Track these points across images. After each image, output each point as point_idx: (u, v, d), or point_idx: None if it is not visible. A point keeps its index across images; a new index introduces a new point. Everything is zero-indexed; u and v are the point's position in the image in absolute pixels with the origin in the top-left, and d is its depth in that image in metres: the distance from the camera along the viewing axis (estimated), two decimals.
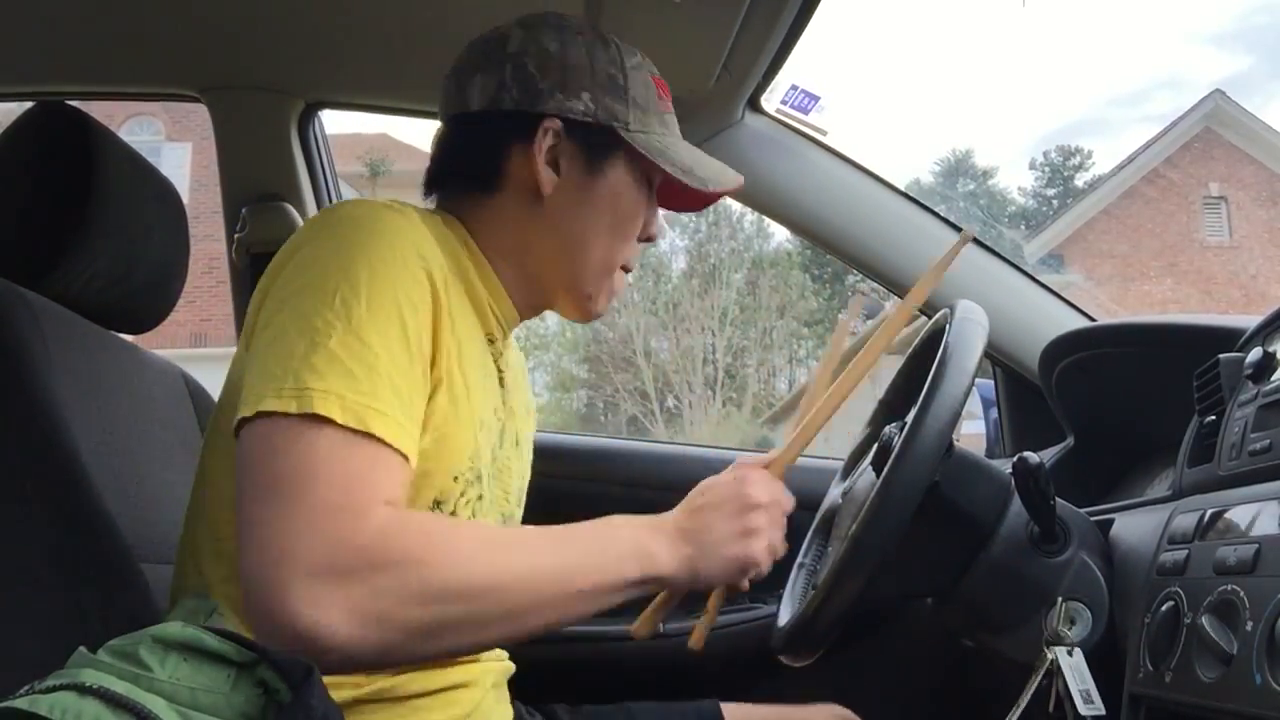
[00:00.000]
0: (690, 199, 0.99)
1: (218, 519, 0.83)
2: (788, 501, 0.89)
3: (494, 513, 0.92)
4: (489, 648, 0.77)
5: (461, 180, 0.94)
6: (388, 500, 0.72)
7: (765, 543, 0.85)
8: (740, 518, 0.84)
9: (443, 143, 0.96)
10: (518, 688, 1.03)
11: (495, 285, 0.93)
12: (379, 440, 0.72)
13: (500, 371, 0.94)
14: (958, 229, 1.49)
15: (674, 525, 0.83)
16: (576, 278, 0.94)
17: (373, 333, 0.74)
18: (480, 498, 0.86)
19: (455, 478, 0.83)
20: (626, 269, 0.97)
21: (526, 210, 0.92)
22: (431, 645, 0.72)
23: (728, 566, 0.83)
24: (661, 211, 1.00)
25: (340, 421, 0.71)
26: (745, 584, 0.87)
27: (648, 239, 0.97)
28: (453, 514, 0.83)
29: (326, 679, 0.64)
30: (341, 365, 0.72)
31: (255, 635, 0.68)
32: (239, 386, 0.82)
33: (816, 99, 1.46)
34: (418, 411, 0.77)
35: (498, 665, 0.95)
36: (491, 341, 0.93)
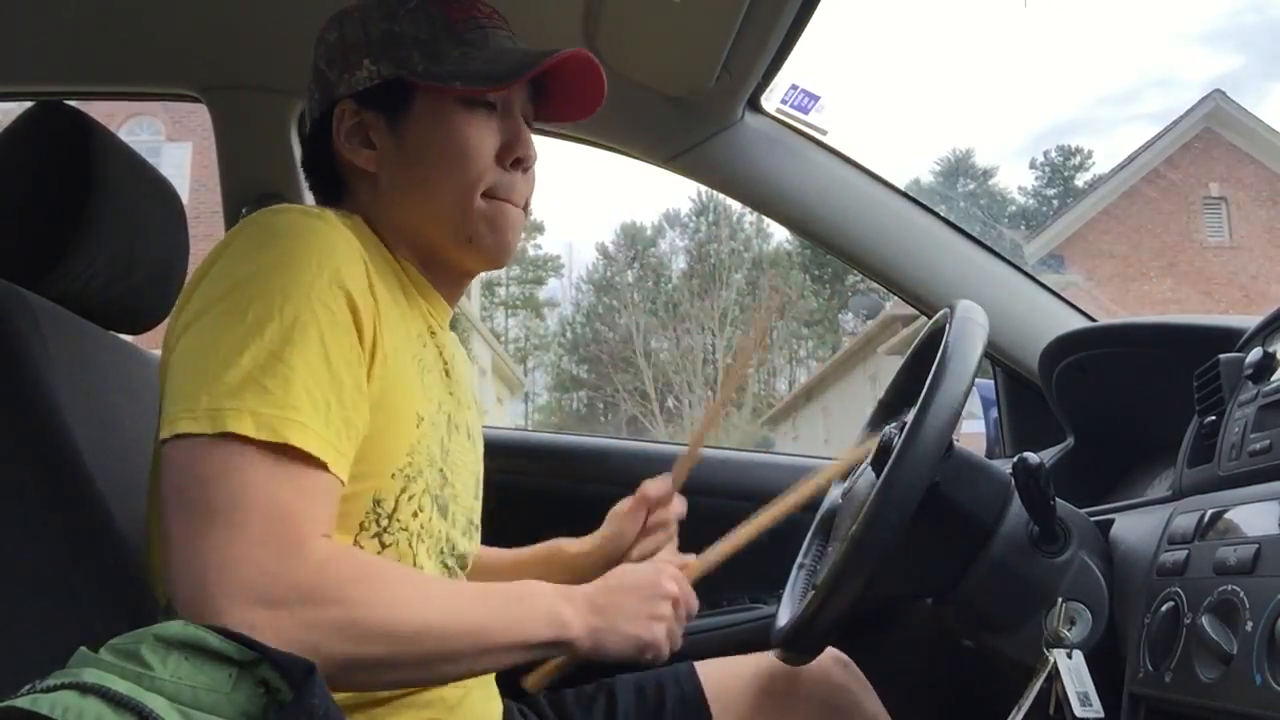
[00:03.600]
0: (568, 100, 0.97)
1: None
2: (694, 604, 0.95)
3: (456, 507, 0.92)
4: (398, 688, 0.82)
5: (330, 197, 0.96)
6: (324, 532, 0.74)
7: (667, 630, 0.90)
8: (650, 603, 0.89)
9: (305, 176, 1.00)
10: (508, 689, 1.03)
11: (417, 277, 0.94)
12: (298, 452, 0.73)
13: (445, 363, 0.95)
14: (958, 229, 1.49)
15: (586, 598, 0.87)
16: (446, 228, 0.93)
17: (287, 348, 0.75)
18: (425, 493, 0.86)
19: (393, 475, 0.83)
20: (509, 200, 0.93)
21: (373, 195, 0.93)
22: (348, 679, 0.74)
23: (629, 644, 0.87)
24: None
25: (255, 436, 0.72)
26: (645, 658, 0.90)
27: (516, 162, 0.93)
28: (394, 512, 0.84)
29: None
30: (255, 382, 0.73)
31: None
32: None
33: (816, 99, 1.46)
34: (343, 419, 0.77)
35: None
36: (433, 334, 0.94)
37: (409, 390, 0.86)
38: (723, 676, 1.09)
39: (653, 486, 1.11)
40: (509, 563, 1.15)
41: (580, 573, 1.12)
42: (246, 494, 0.71)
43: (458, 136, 0.91)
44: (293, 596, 0.70)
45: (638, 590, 0.89)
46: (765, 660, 1.09)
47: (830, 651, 1.11)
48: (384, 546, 0.83)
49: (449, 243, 0.94)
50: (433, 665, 0.78)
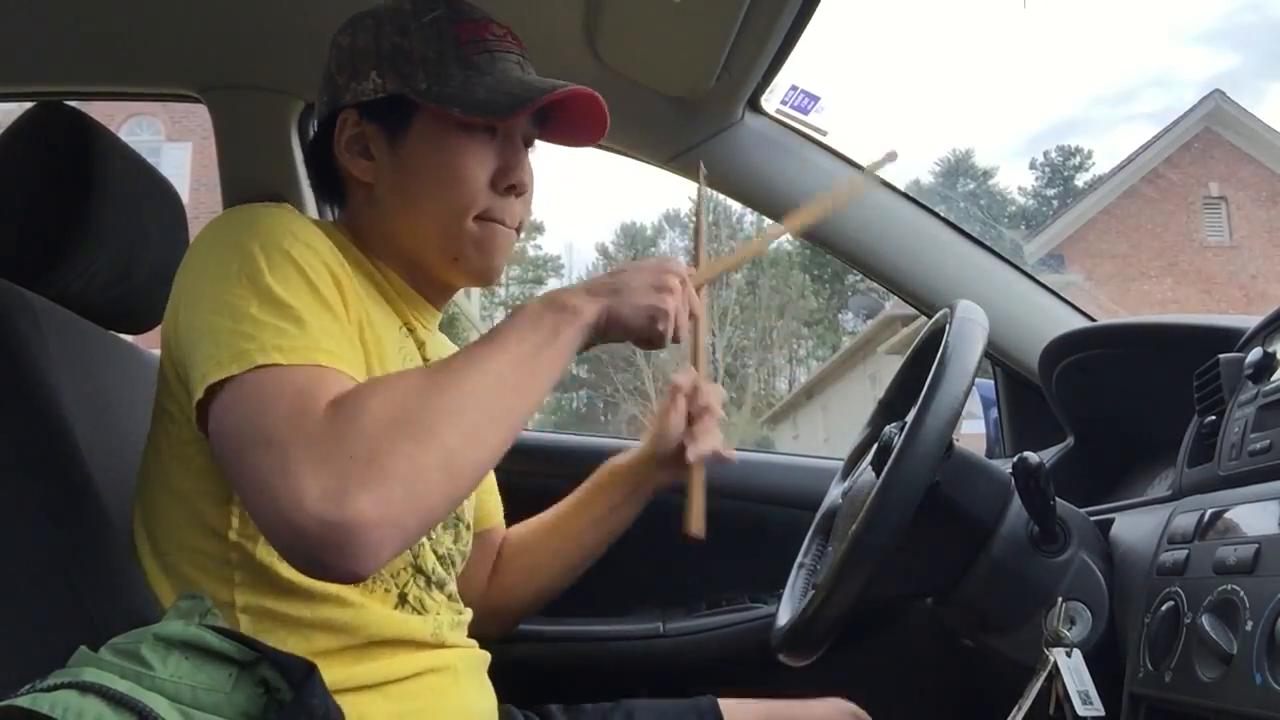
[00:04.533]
0: (571, 127, 0.99)
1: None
2: (697, 304, 0.94)
3: None
4: (504, 448, 0.78)
5: (329, 200, 0.99)
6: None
7: (676, 304, 0.89)
8: (656, 276, 0.89)
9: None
10: (511, 690, 1.03)
11: (399, 282, 0.96)
12: (329, 369, 0.74)
13: (425, 360, 0.96)
14: (958, 229, 1.49)
15: (583, 283, 0.87)
16: (435, 246, 0.95)
17: (287, 294, 0.77)
18: None
19: None
20: (502, 222, 0.95)
21: (368, 204, 0.95)
22: (456, 475, 0.72)
23: (641, 314, 0.87)
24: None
25: (285, 363, 0.73)
26: (658, 339, 0.89)
27: (510, 188, 0.94)
28: None
29: None
30: (270, 325, 0.75)
31: (305, 569, 0.70)
32: (160, 375, 0.86)
33: (816, 99, 1.46)
34: (357, 357, 0.80)
35: (471, 652, 0.95)
36: (411, 330, 0.96)
37: (390, 370, 0.87)
38: (745, 716, 1.10)
39: (679, 376, 1.11)
40: (570, 505, 1.17)
41: (636, 482, 1.14)
42: (276, 395, 0.72)
43: (454, 160, 0.92)
44: (343, 445, 0.69)
45: (640, 270, 0.89)
46: (792, 708, 1.11)
47: (842, 705, 1.11)
48: None
49: (436, 259, 0.96)
50: (505, 411, 0.77)
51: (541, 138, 0.99)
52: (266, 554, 0.82)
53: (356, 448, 0.69)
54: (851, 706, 1.12)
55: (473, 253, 0.94)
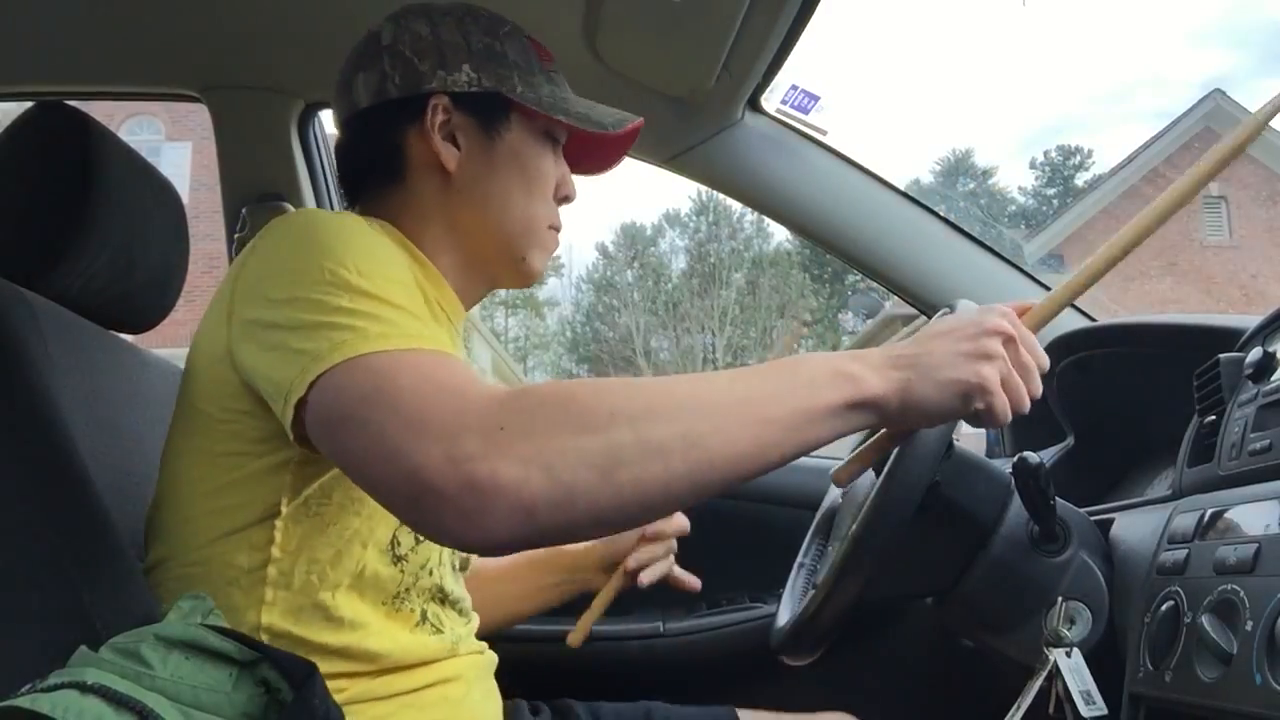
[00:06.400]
0: (600, 158, 1.04)
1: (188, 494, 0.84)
2: (1041, 355, 0.75)
3: None
4: (686, 493, 0.65)
5: (373, 179, 0.96)
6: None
7: (999, 371, 0.71)
8: (973, 341, 0.71)
9: (344, 148, 0.98)
10: (512, 689, 1.03)
11: (437, 278, 0.95)
12: (432, 351, 0.70)
13: None
14: (958, 229, 1.49)
15: (883, 351, 0.72)
16: (506, 243, 0.95)
17: (377, 289, 0.73)
18: None
19: None
20: (554, 228, 0.99)
21: (440, 192, 0.94)
22: (614, 482, 0.62)
23: (949, 392, 0.70)
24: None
25: (387, 348, 0.68)
26: (975, 410, 0.71)
27: (564, 199, 0.99)
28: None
29: None
30: (363, 314, 0.71)
31: (424, 528, 0.64)
32: (197, 379, 0.83)
33: (816, 99, 1.46)
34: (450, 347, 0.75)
35: (480, 658, 0.95)
36: (451, 338, 0.95)
37: None
38: None
39: None
40: (504, 565, 1.15)
41: (577, 572, 1.13)
42: (397, 370, 0.67)
43: (541, 165, 0.96)
44: (496, 414, 0.62)
45: (952, 331, 0.72)
46: None
47: None
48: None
49: (501, 255, 0.96)
50: (701, 445, 0.64)
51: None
52: (307, 572, 0.80)
53: (506, 419, 0.62)
54: None
55: (537, 255, 0.97)
